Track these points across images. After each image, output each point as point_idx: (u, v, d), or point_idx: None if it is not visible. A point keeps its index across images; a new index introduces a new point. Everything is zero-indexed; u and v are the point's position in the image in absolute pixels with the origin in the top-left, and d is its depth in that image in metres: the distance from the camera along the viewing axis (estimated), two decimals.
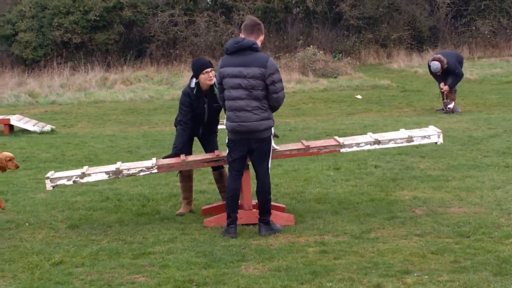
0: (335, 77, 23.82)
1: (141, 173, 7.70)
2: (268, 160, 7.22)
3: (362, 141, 7.82)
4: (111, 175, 7.67)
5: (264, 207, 7.22)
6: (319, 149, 7.77)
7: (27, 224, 7.80)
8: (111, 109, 19.34)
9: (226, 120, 7.22)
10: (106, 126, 16.37)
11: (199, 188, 9.12)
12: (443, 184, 9.03)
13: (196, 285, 5.77)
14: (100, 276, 6.03)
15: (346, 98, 19.91)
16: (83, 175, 7.65)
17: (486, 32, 30.61)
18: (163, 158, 7.93)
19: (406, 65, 27.29)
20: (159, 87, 23.35)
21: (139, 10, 28.96)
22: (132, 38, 29.79)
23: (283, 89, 7.13)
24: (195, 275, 5.96)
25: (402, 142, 7.83)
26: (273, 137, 7.33)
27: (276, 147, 7.59)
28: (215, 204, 8.13)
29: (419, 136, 7.85)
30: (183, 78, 24.17)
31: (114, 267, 6.27)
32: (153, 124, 16.52)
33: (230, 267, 6.17)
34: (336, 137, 7.99)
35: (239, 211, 7.42)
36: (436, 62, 15.71)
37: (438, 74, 15.91)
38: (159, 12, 29.41)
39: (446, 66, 15.70)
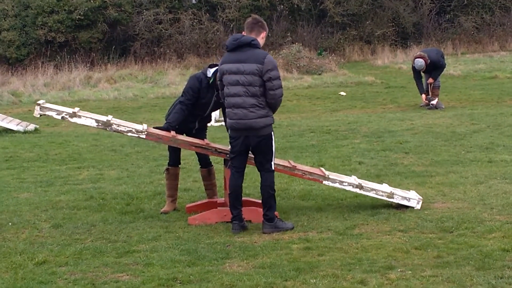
0: (320, 74, 23.85)
1: (129, 134, 7.62)
2: (271, 156, 7.19)
3: (346, 181, 7.88)
4: (100, 124, 7.57)
5: (267, 202, 7.16)
6: (303, 173, 7.81)
7: (10, 223, 7.75)
8: (95, 108, 19.25)
9: (226, 116, 7.22)
10: None
11: (183, 186, 9.10)
12: (427, 179, 9.07)
13: (180, 283, 5.76)
14: (84, 275, 6.01)
15: (330, 95, 19.94)
16: (73, 114, 7.53)
17: (469, 28, 30.76)
18: (153, 128, 7.85)
19: (391, 61, 27.36)
20: (143, 85, 23.28)
21: (123, 9, 28.86)
22: (116, 36, 29.68)
23: (281, 86, 7.04)
24: (179, 273, 5.95)
25: (382, 195, 7.86)
26: None
27: None
28: (199, 202, 8.12)
29: (399, 196, 7.86)
30: (168, 76, 24.13)
31: (98, 266, 6.25)
32: (138, 122, 16.36)
33: (214, 265, 6.17)
34: (323, 169, 8.01)
35: (222, 208, 7.45)
36: (420, 59, 15.79)
37: (422, 71, 16.00)
38: (143, 10, 29.34)
39: (429, 61, 15.79)
